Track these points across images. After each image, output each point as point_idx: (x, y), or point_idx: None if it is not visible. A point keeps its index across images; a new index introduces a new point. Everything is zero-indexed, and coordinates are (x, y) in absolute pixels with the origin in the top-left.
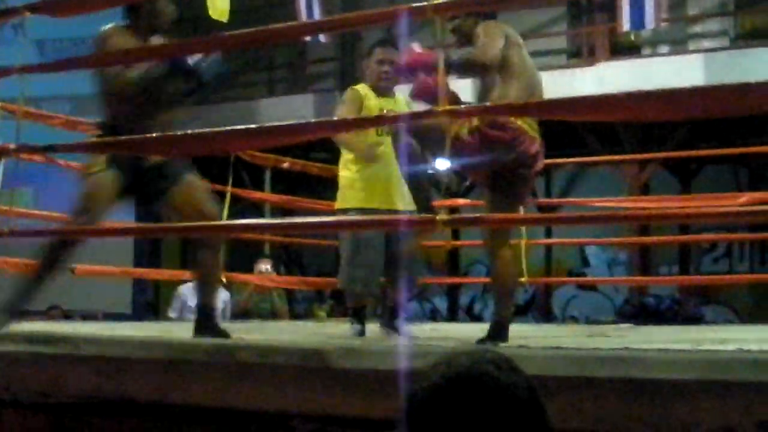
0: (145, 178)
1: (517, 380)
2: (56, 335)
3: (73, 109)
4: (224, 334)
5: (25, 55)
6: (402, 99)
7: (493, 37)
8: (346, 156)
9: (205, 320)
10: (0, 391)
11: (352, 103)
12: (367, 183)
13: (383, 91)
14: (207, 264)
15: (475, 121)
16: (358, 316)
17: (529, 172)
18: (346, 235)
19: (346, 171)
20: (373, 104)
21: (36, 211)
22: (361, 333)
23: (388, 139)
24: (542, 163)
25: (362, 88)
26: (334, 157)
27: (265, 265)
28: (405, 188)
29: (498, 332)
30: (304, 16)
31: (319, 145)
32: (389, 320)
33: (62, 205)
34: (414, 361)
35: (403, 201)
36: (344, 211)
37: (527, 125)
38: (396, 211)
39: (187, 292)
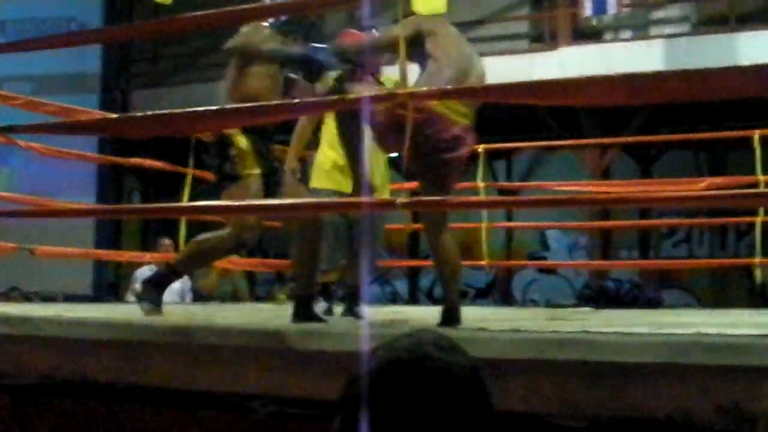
0: (269, 180)
1: (460, 361)
2: (16, 316)
3: (33, 89)
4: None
5: None
6: (391, 79)
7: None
8: (324, 137)
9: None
10: None
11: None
12: (335, 166)
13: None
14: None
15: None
16: (324, 294)
17: (449, 158)
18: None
19: (322, 152)
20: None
21: (7, 194)
22: (329, 311)
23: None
24: (468, 149)
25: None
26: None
27: (167, 241)
28: (379, 172)
29: (452, 316)
30: None
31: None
32: (351, 305)
33: (38, 185)
34: (373, 343)
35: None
36: (318, 191)
37: (449, 110)
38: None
39: (145, 275)
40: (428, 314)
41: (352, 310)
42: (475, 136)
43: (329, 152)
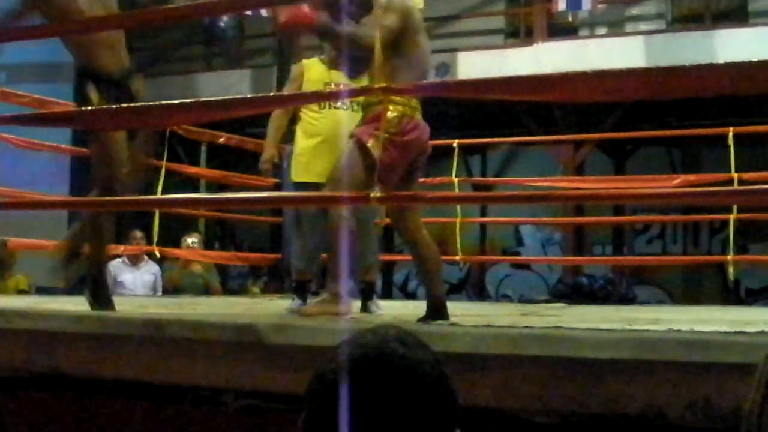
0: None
1: (424, 356)
2: None
3: (7, 77)
4: None
5: None
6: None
7: (388, 16)
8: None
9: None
10: None
11: (293, 79)
12: (313, 157)
13: (336, 63)
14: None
15: (378, 135)
16: (301, 291)
17: (417, 152)
18: (291, 210)
19: (297, 144)
20: (316, 77)
21: None
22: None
23: (337, 113)
24: (428, 142)
25: (312, 61)
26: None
27: (191, 239)
28: None
29: (439, 310)
30: None
31: (255, 121)
32: (365, 300)
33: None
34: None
35: None
36: (302, 185)
37: (415, 110)
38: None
39: (118, 268)
40: (404, 308)
41: (366, 306)
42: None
43: (306, 142)
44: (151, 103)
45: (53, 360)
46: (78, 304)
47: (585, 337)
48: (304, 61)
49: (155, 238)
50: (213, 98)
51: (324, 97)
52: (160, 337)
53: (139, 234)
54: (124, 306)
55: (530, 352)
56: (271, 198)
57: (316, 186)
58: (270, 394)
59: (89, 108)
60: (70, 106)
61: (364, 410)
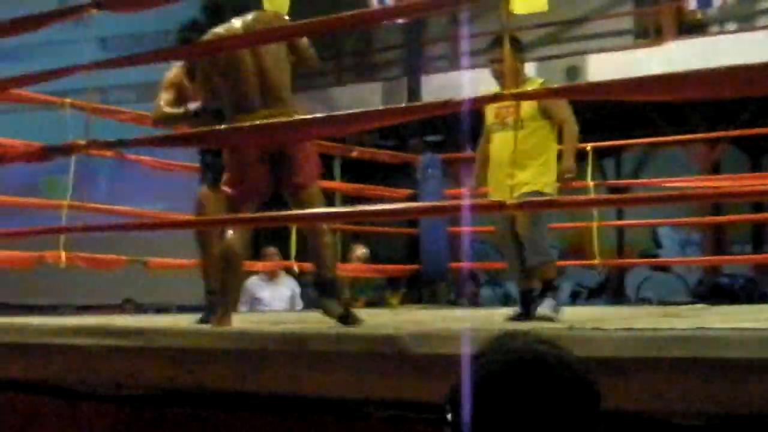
0: None
1: (572, 358)
2: (130, 328)
3: (138, 97)
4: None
5: (89, 52)
6: (535, 81)
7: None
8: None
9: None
10: (76, 383)
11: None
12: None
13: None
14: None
15: None
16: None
17: None
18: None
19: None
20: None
21: (107, 206)
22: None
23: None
24: None
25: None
26: (402, 144)
27: (361, 250)
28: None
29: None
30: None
31: (387, 133)
32: (526, 308)
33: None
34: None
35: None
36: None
37: None
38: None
39: (255, 285)
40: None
41: (529, 313)
42: None
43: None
44: (285, 120)
45: (196, 377)
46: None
47: (729, 337)
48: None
49: (293, 252)
50: (345, 111)
51: (446, 108)
52: (302, 350)
53: (272, 250)
54: (262, 322)
55: (673, 354)
56: (408, 209)
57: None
58: (413, 403)
59: (226, 126)
60: None
61: (520, 412)
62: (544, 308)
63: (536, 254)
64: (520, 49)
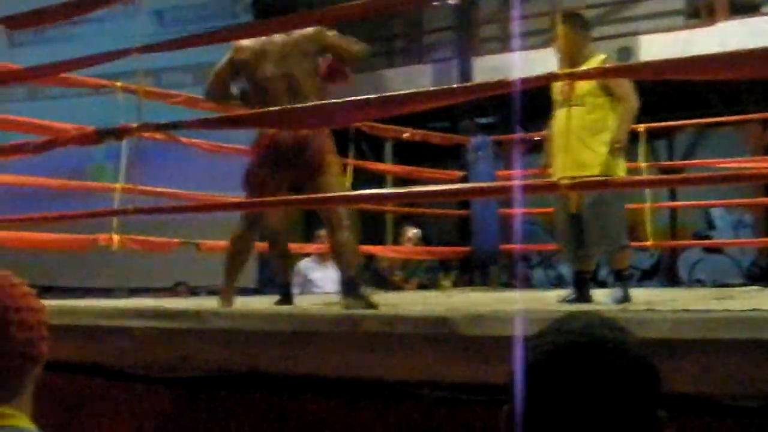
0: None
1: (630, 340)
2: (183, 310)
3: (194, 79)
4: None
5: (144, 26)
6: (595, 60)
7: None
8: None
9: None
10: (129, 366)
11: None
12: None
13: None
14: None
15: None
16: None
17: None
18: (614, 195)
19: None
20: None
21: (159, 188)
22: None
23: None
24: None
25: None
26: (453, 126)
27: (413, 231)
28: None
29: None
30: None
31: (439, 115)
32: (582, 290)
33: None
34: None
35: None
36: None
37: None
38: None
39: (307, 267)
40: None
41: (582, 295)
42: None
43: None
44: (336, 101)
45: (248, 359)
46: (269, 303)
47: None
48: None
49: None
50: (396, 92)
51: (495, 88)
52: (355, 332)
53: (323, 232)
54: (316, 303)
55: (730, 335)
56: (459, 189)
57: None
58: (467, 385)
59: (279, 108)
60: None
61: (573, 397)
62: (608, 303)
63: (602, 239)
64: (583, 26)
